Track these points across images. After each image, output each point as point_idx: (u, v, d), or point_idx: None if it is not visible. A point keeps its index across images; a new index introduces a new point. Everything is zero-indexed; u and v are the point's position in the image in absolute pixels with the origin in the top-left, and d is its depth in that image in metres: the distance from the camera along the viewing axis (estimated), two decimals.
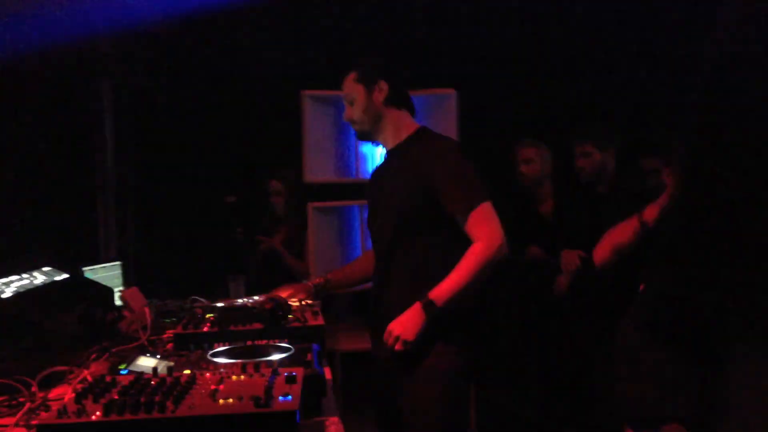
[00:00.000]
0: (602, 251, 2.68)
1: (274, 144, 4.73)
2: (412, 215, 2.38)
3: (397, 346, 2.28)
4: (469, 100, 4.00)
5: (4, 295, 2.19)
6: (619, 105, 5.12)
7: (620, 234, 2.61)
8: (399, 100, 2.47)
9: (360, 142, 3.89)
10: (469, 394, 2.48)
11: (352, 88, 2.50)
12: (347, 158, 3.95)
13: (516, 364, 5.13)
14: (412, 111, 2.54)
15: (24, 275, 2.42)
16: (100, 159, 4.67)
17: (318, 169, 3.82)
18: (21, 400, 1.82)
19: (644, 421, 2.09)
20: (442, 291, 2.27)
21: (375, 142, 2.66)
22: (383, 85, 2.45)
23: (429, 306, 2.26)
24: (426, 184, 2.35)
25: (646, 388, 2.08)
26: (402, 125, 2.49)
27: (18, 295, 2.25)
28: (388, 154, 2.57)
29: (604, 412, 3.44)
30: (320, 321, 2.41)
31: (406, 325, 2.28)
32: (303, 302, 2.76)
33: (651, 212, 2.51)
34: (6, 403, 1.83)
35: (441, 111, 3.86)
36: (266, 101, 4.97)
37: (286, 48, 5.11)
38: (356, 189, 4.06)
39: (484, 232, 2.30)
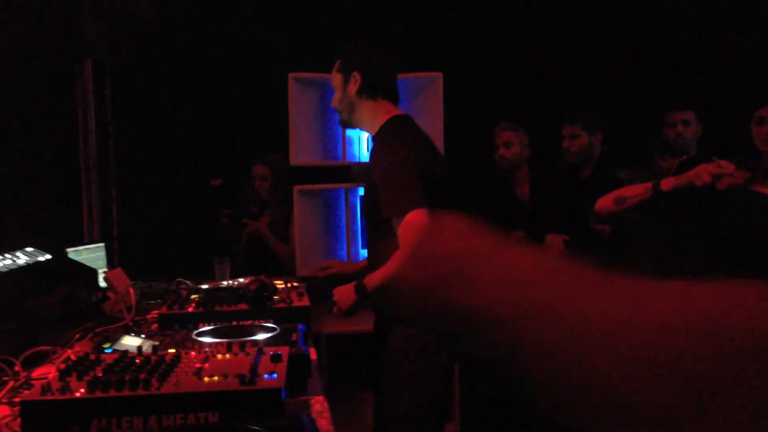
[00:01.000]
0: (605, 198, 2.68)
1: (260, 127, 4.71)
2: (374, 207, 2.42)
3: (335, 310, 2.47)
4: (455, 83, 3.99)
5: None
6: (607, 89, 5.15)
7: (629, 189, 2.62)
8: (374, 90, 2.49)
9: None
10: (443, 375, 2.50)
11: (334, 76, 2.57)
12: (334, 141, 3.93)
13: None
14: (393, 99, 2.55)
15: (7, 255, 2.40)
16: (84, 140, 4.63)
17: (304, 152, 3.80)
18: (4, 379, 1.81)
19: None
20: (373, 279, 2.38)
21: (359, 128, 2.71)
22: (357, 76, 2.49)
23: (360, 287, 2.40)
24: (373, 182, 2.42)
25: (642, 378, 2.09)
26: (377, 115, 2.51)
27: (0, 275, 2.23)
28: (371, 140, 2.62)
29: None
30: (306, 302, 2.42)
31: (342, 296, 2.44)
32: (289, 284, 2.76)
33: (668, 181, 2.50)
34: None
35: (427, 94, 3.85)
36: (253, 84, 4.95)
37: (273, 30, 5.08)
38: (342, 172, 4.05)
39: (406, 241, 2.29)
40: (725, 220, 2.12)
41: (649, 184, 2.53)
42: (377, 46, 2.54)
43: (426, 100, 3.85)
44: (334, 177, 3.90)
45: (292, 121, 3.72)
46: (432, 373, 2.46)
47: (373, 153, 2.47)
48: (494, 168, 4.12)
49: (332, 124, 3.93)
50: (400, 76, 3.74)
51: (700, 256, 2.02)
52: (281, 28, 5.11)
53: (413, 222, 2.25)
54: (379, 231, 2.43)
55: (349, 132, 3.96)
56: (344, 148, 3.91)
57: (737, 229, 2.05)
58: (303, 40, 5.03)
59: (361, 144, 4.02)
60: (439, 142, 3.81)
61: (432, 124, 3.83)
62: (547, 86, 5.23)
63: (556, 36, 5.31)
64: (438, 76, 3.80)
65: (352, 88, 2.50)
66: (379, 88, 2.50)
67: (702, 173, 2.38)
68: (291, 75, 3.74)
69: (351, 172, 3.46)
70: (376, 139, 2.51)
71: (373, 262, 2.51)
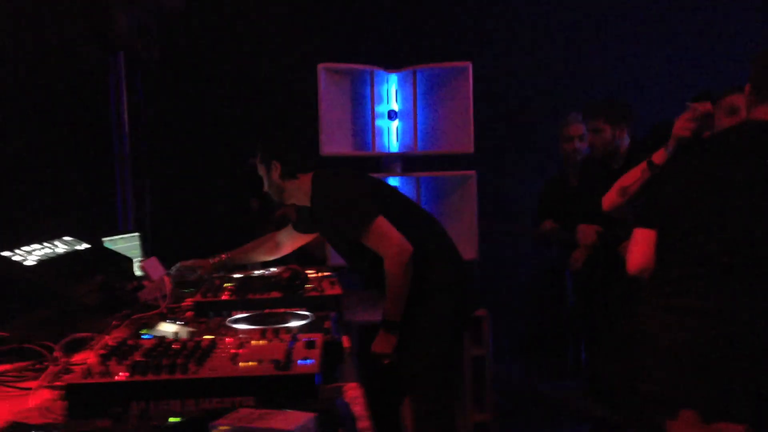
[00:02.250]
0: (609, 194, 2.63)
1: (290, 117, 4.73)
2: (345, 242, 2.78)
3: (386, 362, 2.68)
4: (484, 72, 3.99)
5: (26, 263, 2.22)
6: (635, 80, 5.10)
7: (627, 175, 2.57)
8: (293, 171, 2.76)
9: (376, 115, 3.93)
10: (455, 336, 2.85)
11: (258, 168, 2.84)
12: (363, 132, 3.95)
13: (533, 337, 5.16)
14: (310, 168, 2.80)
15: (46, 244, 2.45)
16: (117, 132, 4.69)
17: (334, 142, 3.82)
18: (45, 364, 1.85)
19: (661, 404, 2.08)
20: (388, 310, 2.66)
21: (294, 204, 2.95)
22: (276, 165, 2.75)
23: (388, 326, 2.66)
24: (333, 226, 2.76)
25: (662, 371, 2.06)
26: (303, 188, 2.78)
27: (40, 264, 2.28)
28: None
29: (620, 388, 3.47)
30: (338, 291, 2.44)
31: (381, 345, 2.66)
32: (320, 273, 2.79)
33: (659, 154, 2.46)
34: (30, 367, 1.87)
35: (456, 83, 3.84)
36: (282, 74, 4.97)
37: (302, 21, 5.10)
38: (372, 162, 4.07)
39: (382, 248, 2.61)
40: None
41: (643, 165, 2.49)
42: (285, 131, 2.92)
43: (455, 89, 3.85)
44: (363, 166, 3.92)
45: (321, 112, 3.74)
46: (445, 334, 2.72)
47: (319, 210, 2.75)
48: (526, 158, 4.11)
49: (362, 115, 3.94)
50: (429, 66, 3.77)
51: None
52: (310, 18, 5.13)
53: (378, 230, 2.58)
54: (362, 257, 2.71)
55: (379, 122, 3.98)
56: (374, 139, 3.92)
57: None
58: (332, 31, 5.05)
59: (390, 134, 4.03)
60: (468, 131, 3.81)
61: (461, 113, 3.83)
62: (578, 75, 5.19)
63: (585, 24, 5.27)
64: (467, 66, 3.79)
65: (275, 174, 2.77)
66: (296, 167, 2.77)
67: (684, 125, 2.37)
68: (320, 66, 3.76)
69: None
70: (313, 202, 2.77)
71: (373, 279, 2.75)
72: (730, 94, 2.66)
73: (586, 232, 3.69)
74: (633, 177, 2.53)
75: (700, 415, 1.96)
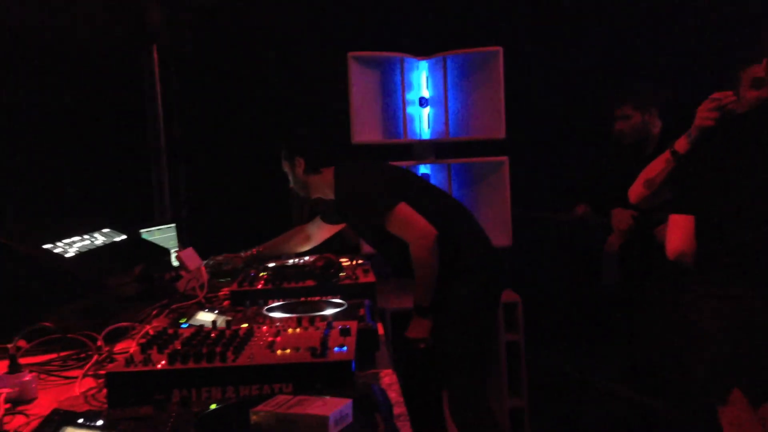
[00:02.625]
0: (635, 186, 2.58)
1: (321, 106, 4.75)
2: (370, 229, 2.85)
3: (421, 346, 2.71)
4: (515, 57, 3.95)
5: (67, 255, 2.27)
6: (672, 61, 5.01)
7: (651, 166, 2.53)
8: (316, 166, 2.84)
9: (408, 103, 3.93)
10: (490, 314, 2.94)
11: (283, 164, 2.92)
12: (395, 119, 3.95)
13: (566, 322, 5.14)
14: (333, 162, 2.87)
15: (85, 236, 2.50)
16: (151, 124, 4.76)
17: (365, 130, 3.83)
18: (88, 353, 1.90)
19: (711, 388, 2.07)
20: (418, 295, 2.70)
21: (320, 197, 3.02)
22: (299, 161, 2.84)
23: (420, 311, 2.70)
24: (358, 215, 2.83)
25: (711, 357, 2.05)
26: (326, 182, 2.86)
27: (80, 255, 2.33)
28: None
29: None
30: (371, 278, 2.46)
31: (416, 329, 2.71)
32: (354, 261, 2.81)
33: (680, 142, 2.43)
34: (74, 356, 1.93)
35: (487, 68, 3.82)
36: (313, 63, 4.99)
37: (331, 10, 5.10)
38: (404, 150, 4.07)
39: (406, 234, 2.66)
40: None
41: (667, 155, 2.45)
42: (306, 127, 2.97)
43: (486, 75, 3.83)
44: (394, 154, 3.93)
45: (352, 101, 3.76)
46: (477, 316, 2.78)
47: (343, 202, 2.83)
48: (559, 143, 4.06)
49: (392, 103, 3.95)
50: (460, 52, 3.77)
51: None
52: (340, 7, 5.13)
53: (401, 216, 2.64)
54: (389, 245, 2.76)
55: (410, 110, 3.97)
56: (405, 126, 3.93)
57: None
58: (361, 19, 5.04)
59: (421, 121, 4.03)
60: (499, 117, 3.79)
61: (492, 99, 3.82)
62: (612, 58, 5.12)
63: (622, 2, 5.19)
64: (498, 51, 3.77)
65: (299, 170, 2.85)
66: (319, 162, 2.84)
67: (704, 114, 2.32)
68: (350, 54, 3.77)
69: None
70: (337, 195, 2.83)
71: (402, 266, 2.79)
72: (750, 65, 2.60)
73: (621, 217, 3.66)
74: (657, 168, 2.50)
75: (748, 399, 1.95)
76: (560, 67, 5.19)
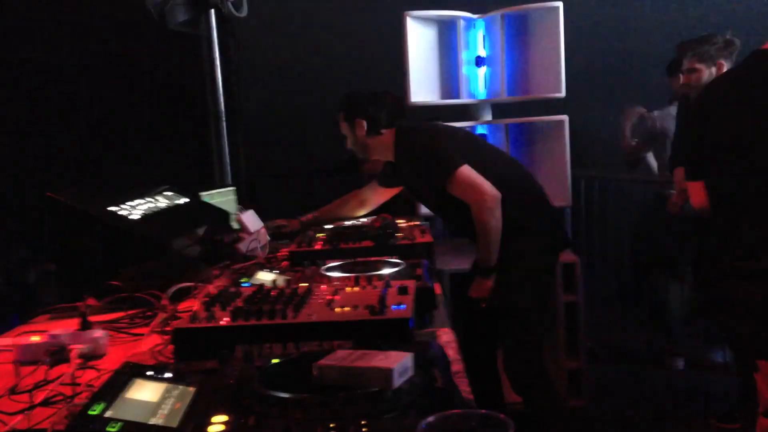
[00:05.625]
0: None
1: (378, 67, 4.73)
2: (431, 191, 2.81)
3: (483, 305, 2.74)
4: (574, 13, 3.86)
5: (132, 217, 2.33)
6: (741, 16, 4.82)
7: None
8: (378, 128, 2.81)
9: (464, 62, 3.88)
10: (547, 284, 2.96)
11: (341, 125, 2.89)
12: (452, 80, 3.92)
13: (626, 287, 5.07)
14: (393, 124, 2.83)
15: (149, 199, 2.56)
16: (210, 90, 4.81)
17: (422, 91, 3.81)
18: (155, 311, 1.96)
19: (745, 355, 2.07)
20: (482, 256, 2.70)
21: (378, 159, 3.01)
22: (360, 122, 2.80)
23: (483, 272, 2.71)
24: (419, 177, 2.80)
25: (742, 327, 2.05)
26: (386, 144, 2.83)
27: (145, 218, 2.39)
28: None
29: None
30: (428, 239, 2.46)
31: (479, 289, 2.73)
32: (411, 222, 2.82)
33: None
34: (141, 315, 1.99)
35: (546, 25, 3.74)
36: (369, 24, 4.97)
37: None
38: (460, 110, 4.03)
39: (468, 196, 2.63)
40: None
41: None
42: (368, 89, 2.89)
43: (545, 31, 3.75)
44: (451, 115, 3.89)
45: (408, 61, 3.73)
46: (537, 275, 2.78)
47: (404, 164, 2.82)
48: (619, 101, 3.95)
49: (449, 62, 3.90)
50: (518, 9, 3.69)
51: None
52: None
53: (462, 178, 2.61)
54: (449, 207, 2.75)
55: (467, 70, 3.93)
56: (461, 86, 3.89)
57: None
58: None
59: (477, 81, 3.98)
60: (558, 75, 3.72)
61: (551, 56, 3.74)
62: (673, 12, 4.95)
63: None
64: (558, 6, 3.68)
65: (360, 132, 2.82)
66: (380, 123, 2.81)
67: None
68: (406, 13, 3.74)
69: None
70: (397, 157, 2.83)
71: (462, 228, 2.80)
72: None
73: (682, 176, 3.56)
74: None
75: None
76: (621, 22, 5.04)
